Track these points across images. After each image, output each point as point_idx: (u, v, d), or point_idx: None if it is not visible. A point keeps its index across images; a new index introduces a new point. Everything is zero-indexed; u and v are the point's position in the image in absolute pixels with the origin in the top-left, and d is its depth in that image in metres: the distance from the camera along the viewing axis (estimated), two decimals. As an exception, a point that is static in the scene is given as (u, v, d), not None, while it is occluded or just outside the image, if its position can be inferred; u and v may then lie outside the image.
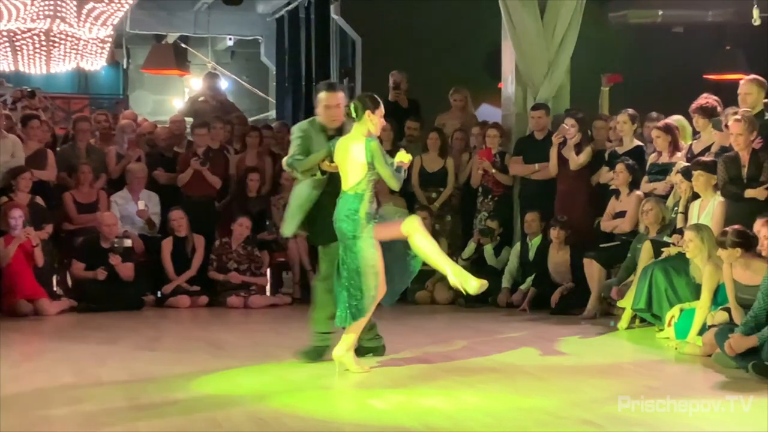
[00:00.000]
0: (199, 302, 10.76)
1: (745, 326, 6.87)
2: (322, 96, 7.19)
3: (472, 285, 6.79)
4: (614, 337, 8.63)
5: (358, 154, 6.68)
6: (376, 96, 6.91)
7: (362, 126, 6.75)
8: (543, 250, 10.44)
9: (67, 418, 5.52)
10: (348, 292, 6.65)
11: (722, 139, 8.96)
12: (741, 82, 9.03)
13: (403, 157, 6.75)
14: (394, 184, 6.77)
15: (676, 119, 9.93)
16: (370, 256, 6.63)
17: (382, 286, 6.71)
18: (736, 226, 7.45)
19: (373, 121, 6.75)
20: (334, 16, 15.91)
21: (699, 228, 8.12)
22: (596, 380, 6.58)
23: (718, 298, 7.73)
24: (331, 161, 6.87)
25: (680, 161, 9.35)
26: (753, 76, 9.19)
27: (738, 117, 8.37)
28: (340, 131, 7.07)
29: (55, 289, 10.66)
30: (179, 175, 11.39)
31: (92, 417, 5.56)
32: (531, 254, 10.59)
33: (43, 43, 14.04)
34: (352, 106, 6.80)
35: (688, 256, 8.13)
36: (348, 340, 6.70)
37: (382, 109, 6.83)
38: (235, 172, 11.67)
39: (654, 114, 10.63)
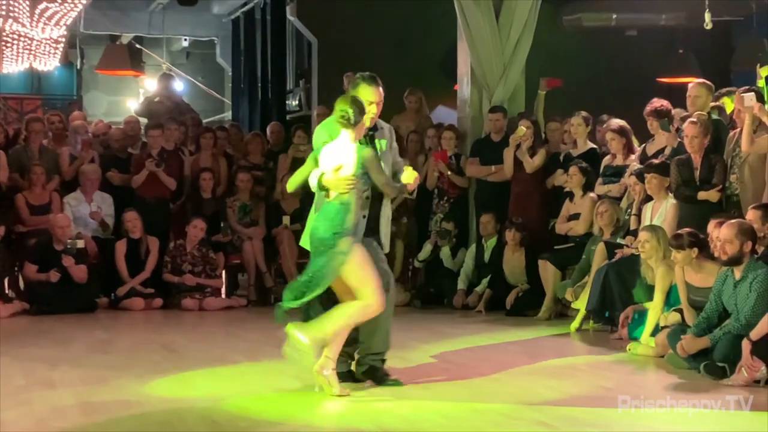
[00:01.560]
0: (153, 304, 10.68)
1: (697, 327, 6.94)
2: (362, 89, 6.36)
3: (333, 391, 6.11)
4: (568, 338, 8.68)
5: (353, 161, 6.20)
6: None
7: (352, 132, 6.20)
8: (498, 251, 10.48)
9: (18, 421, 5.45)
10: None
11: (670, 140, 9.06)
12: (690, 85, 9.14)
13: (409, 177, 6.41)
14: (390, 191, 6.37)
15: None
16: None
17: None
18: (687, 229, 7.53)
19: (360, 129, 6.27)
20: (290, 17, 15.87)
21: (654, 229, 8.19)
22: (550, 381, 6.61)
23: (670, 299, 7.80)
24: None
25: (634, 163, 9.43)
26: (701, 80, 9.33)
27: (694, 119, 8.46)
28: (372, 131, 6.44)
29: (6, 291, 10.55)
30: (134, 176, 11.29)
31: (43, 420, 5.51)
32: (486, 256, 10.63)
33: (-5, 43, 13.90)
34: (349, 110, 6.13)
35: (643, 257, 8.18)
36: None
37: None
38: (189, 174, 11.59)
39: (604, 117, 10.74)
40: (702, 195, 8.37)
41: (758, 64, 8.88)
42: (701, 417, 5.49)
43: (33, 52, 14.34)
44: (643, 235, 8.17)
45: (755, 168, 8.05)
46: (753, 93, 7.86)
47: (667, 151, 9.07)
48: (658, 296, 7.87)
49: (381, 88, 6.40)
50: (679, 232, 7.57)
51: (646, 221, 8.72)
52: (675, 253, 7.46)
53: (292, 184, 6.50)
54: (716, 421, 5.47)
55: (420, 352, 7.72)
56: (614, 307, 8.51)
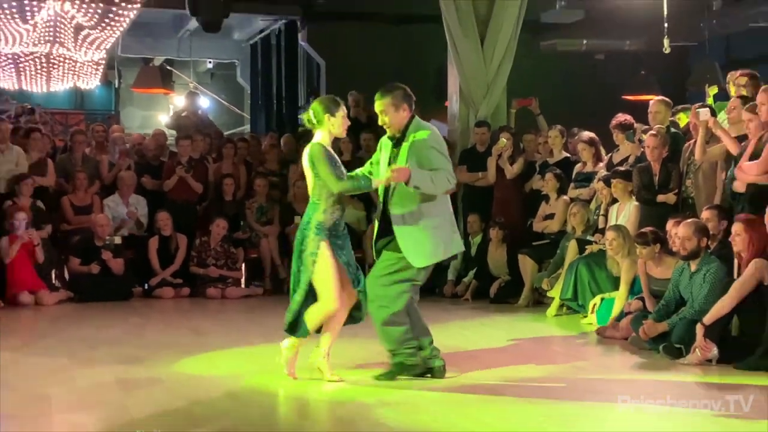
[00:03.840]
0: (181, 293, 10.66)
1: (657, 313, 6.93)
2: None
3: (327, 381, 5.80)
4: (544, 323, 8.66)
5: (305, 160, 5.73)
6: (336, 98, 5.88)
7: (323, 130, 5.76)
8: (483, 247, 10.46)
9: (62, 396, 5.44)
10: (298, 303, 5.74)
11: (634, 150, 9.08)
12: (651, 102, 9.13)
13: (386, 174, 5.67)
14: (334, 185, 5.61)
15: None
16: (318, 271, 5.63)
17: (334, 301, 5.65)
18: (649, 228, 7.54)
19: (334, 124, 5.73)
20: (301, 42, 15.88)
21: (619, 228, 8.18)
22: (529, 360, 6.59)
23: (634, 288, 7.80)
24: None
25: (602, 170, 9.42)
26: (661, 97, 9.34)
27: (654, 132, 8.48)
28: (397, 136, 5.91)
29: (54, 282, 10.53)
30: (165, 181, 11.28)
31: (85, 395, 5.50)
32: (473, 251, 10.60)
33: (44, 64, 13.89)
34: (310, 111, 5.76)
35: (610, 253, 8.18)
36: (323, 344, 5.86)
37: (342, 110, 5.79)
38: (212, 179, 11.58)
39: (575, 129, 10.74)
40: (660, 198, 8.37)
41: (706, 84, 8.88)
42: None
43: (77, 73, 14.33)
44: (609, 234, 8.16)
45: (708, 174, 8.04)
46: (707, 108, 7.86)
47: (631, 160, 9.06)
48: (623, 286, 7.87)
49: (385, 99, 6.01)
50: (643, 230, 7.58)
51: (612, 221, 8.71)
52: (640, 249, 7.45)
53: None
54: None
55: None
56: (585, 295, 8.50)
